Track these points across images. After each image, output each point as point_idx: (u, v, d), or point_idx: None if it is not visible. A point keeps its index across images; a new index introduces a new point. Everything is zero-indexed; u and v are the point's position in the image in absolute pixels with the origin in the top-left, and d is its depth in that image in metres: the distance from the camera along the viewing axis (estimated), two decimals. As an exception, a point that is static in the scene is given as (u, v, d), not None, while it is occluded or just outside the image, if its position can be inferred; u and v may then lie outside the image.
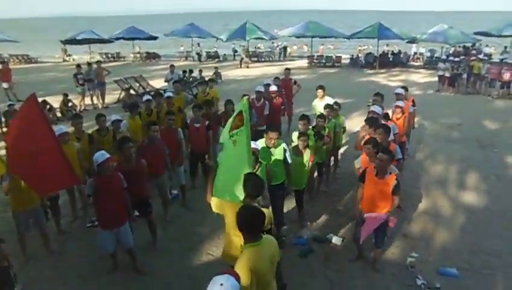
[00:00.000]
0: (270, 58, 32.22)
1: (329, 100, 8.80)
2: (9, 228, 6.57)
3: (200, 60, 31.17)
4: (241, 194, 4.11)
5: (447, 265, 5.70)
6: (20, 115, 5.28)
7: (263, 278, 3.17)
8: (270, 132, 5.96)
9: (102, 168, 5.15)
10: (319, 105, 8.73)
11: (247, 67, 21.59)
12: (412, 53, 29.77)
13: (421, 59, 28.93)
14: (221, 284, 2.50)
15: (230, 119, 4.41)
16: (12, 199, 5.63)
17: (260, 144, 5.80)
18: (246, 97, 4.69)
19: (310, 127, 7.12)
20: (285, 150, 5.96)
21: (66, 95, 14.47)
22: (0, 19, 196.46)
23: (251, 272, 3.00)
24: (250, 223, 3.18)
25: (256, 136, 7.30)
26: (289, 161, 6.00)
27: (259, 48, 35.27)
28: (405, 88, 9.15)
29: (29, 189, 5.40)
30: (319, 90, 9.26)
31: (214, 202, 4.18)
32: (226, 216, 4.13)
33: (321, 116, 7.53)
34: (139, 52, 33.27)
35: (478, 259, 5.91)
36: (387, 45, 28.90)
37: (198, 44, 33.10)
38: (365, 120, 7.06)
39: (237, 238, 3.97)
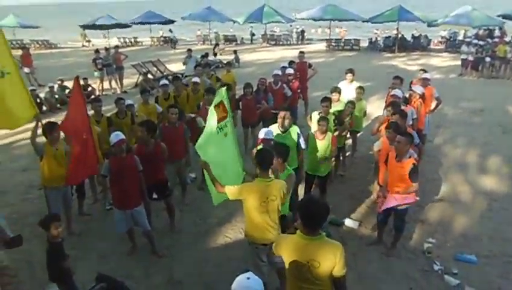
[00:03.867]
0: (288, 42, 31.88)
1: (356, 84, 8.67)
2: (33, 209, 6.79)
3: (174, 47, 29.50)
4: (239, 176, 4.64)
5: (465, 251, 5.64)
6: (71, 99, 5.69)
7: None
8: (281, 111, 5.95)
9: (116, 149, 5.30)
10: (346, 89, 8.60)
11: (220, 54, 21.38)
12: (440, 37, 28.96)
13: (442, 43, 28.20)
14: (248, 278, 2.53)
15: (210, 113, 4.48)
16: (46, 175, 5.74)
17: (274, 130, 5.77)
18: (224, 88, 4.73)
19: (331, 111, 7.10)
20: (299, 135, 5.92)
21: (85, 79, 14.64)
22: (20, 5, 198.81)
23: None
24: (310, 216, 3.05)
25: (273, 120, 7.33)
26: (303, 146, 5.97)
27: (274, 31, 34.87)
28: (424, 70, 9.12)
29: (61, 166, 5.70)
30: (349, 74, 9.10)
31: (230, 190, 4.19)
32: (245, 200, 4.17)
33: (351, 102, 7.54)
34: (162, 37, 33.17)
35: (497, 246, 5.82)
36: (397, 29, 26.91)
37: (170, 30, 32.28)
38: (388, 104, 6.96)
39: (259, 219, 4.17)
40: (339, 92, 8.00)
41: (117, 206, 5.46)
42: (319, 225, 3.08)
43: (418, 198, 5.34)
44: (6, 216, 5.79)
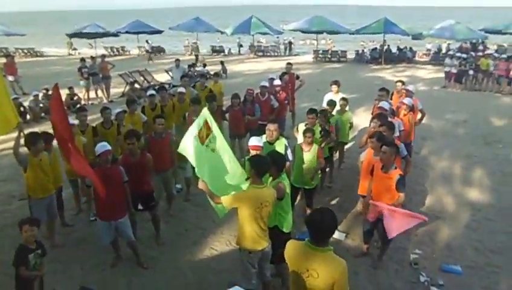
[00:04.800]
0: (276, 53, 32.10)
1: (342, 96, 8.72)
2: (13, 221, 6.61)
3: (150, 59, 28.06)
4: (242, 181, 4.53)
5: (450, 262, 5.68)
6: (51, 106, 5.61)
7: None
8: (269, 123, 5.95)
9: (101, 159, 5.24)
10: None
11: (205, 65, 21.02)
12: (425, 49, 29.57)
13: (427, 55, 28.72)
14: None
15: (193, 132, 4.59)
16: (31, 185, 5.65)
17: (263, 140, 5.76)
18: (205, 108, 4.87)
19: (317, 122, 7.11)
20: (286, 147, 5.92)
21: (71, 88, 14.51)
22: (7, 12, 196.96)
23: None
24: (318, 227, 3.05)
25: (260, 131, 7.31)
26: (290, 158, 5.95)
27: (261, 42, 34.99)
28: (402, 82, 9.19)
29: (47, 176, 5.65)
30: (334, 86, 9.16)
31: (225, 200, 4.18)
32: (240, 208, 4.17)
33: (322, 111, 7.51)
34: (151, 48, 33.01)
35: (482, 256, 5.87)
36: (383, 41, 27.47)
37: (147, 41, 31.44)
38: (374, 116, 6.99)
39: (253, 226, 4.18)
40: (334, 106, 8.06)
41: (101, 218, 5.37)
42: (326, 237, 3.07)
43: (426, 218, 5.25)
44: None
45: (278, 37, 33.26)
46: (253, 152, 5.25)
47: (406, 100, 7.92)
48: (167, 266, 5.69)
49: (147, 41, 31.69)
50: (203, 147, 4.55)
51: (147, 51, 29.80)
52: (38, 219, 4.55)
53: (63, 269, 5.61)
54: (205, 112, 4.68)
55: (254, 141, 5.41)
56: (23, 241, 4.24)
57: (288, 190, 4.64)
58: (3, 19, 49.80)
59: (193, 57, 28.35)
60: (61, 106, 5.67)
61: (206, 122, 4.60)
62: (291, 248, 3.23)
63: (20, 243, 4.25)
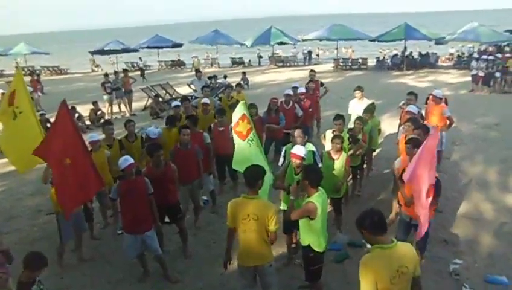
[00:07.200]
0: (295, 63, 31.98)
1: (367, 102, 8.50)
2: (41, 235, 6.63)
3: (143, 76, 26.02)
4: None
5: (494, 272, 5.34)
6: (54, 124, 5.37)
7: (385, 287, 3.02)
8: (294, 130, 5.82)
9: (125, 173, 5.17)
10: (357, 107, 8.44)
11: (225, 76, 20.36)
12: (448, 54, 29.04)
13: (450, 60, 28.13)
14: None
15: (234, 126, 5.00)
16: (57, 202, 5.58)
17: (287, 148, 5.62)
18: (243, 101, 4.99)
19: (345, 129, 6.94)
20: (314, 153, 5.73)
21: (95, 103, 14.70)
22: (30, 33, 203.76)
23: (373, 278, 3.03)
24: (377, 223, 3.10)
25: (284, 139, 7.16)
26: (319, 164, 5.75)
27: (276, 53, 34.70)
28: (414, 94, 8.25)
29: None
30: (357, 92, 8.94)
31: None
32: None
33: (360, 118, 7.33)
34: (178, 60, 33.31)
35: (528, 266, 5.51)
36: (404, 47, 26.75)
37: (140, 58, 30.83)
38: (407, 120, 6.75)
39: (240, 239, 4.17)
40: (372, 112, 7.87)
41: (127, 231, 5.28)
42: (386, 230, 3.10)
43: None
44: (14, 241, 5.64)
45: (295, 47, 33.02)
46: (293, 160, 5.11)
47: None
48: (195, 279, 5.56)
49: (140, 58, 31.51)
50: (245, 143, 4.72)
51: (140, 69, 28.01)
52: (44, 261, 3.97)
53: (91, 283, 5.54)
54: (242, 106, 4.82)
55: (295, 150, 5.14)
56: (22, 279, 3.87)
57: (320, 211, 4.31)
58: (29, 39, 51.36)
59: (214, 69, 28.37)
60: (70, 122, 5.39)
61: (245, 116, 4.70)
62: (371, 263, 3.11)
63: (19, 280, 3.87)
